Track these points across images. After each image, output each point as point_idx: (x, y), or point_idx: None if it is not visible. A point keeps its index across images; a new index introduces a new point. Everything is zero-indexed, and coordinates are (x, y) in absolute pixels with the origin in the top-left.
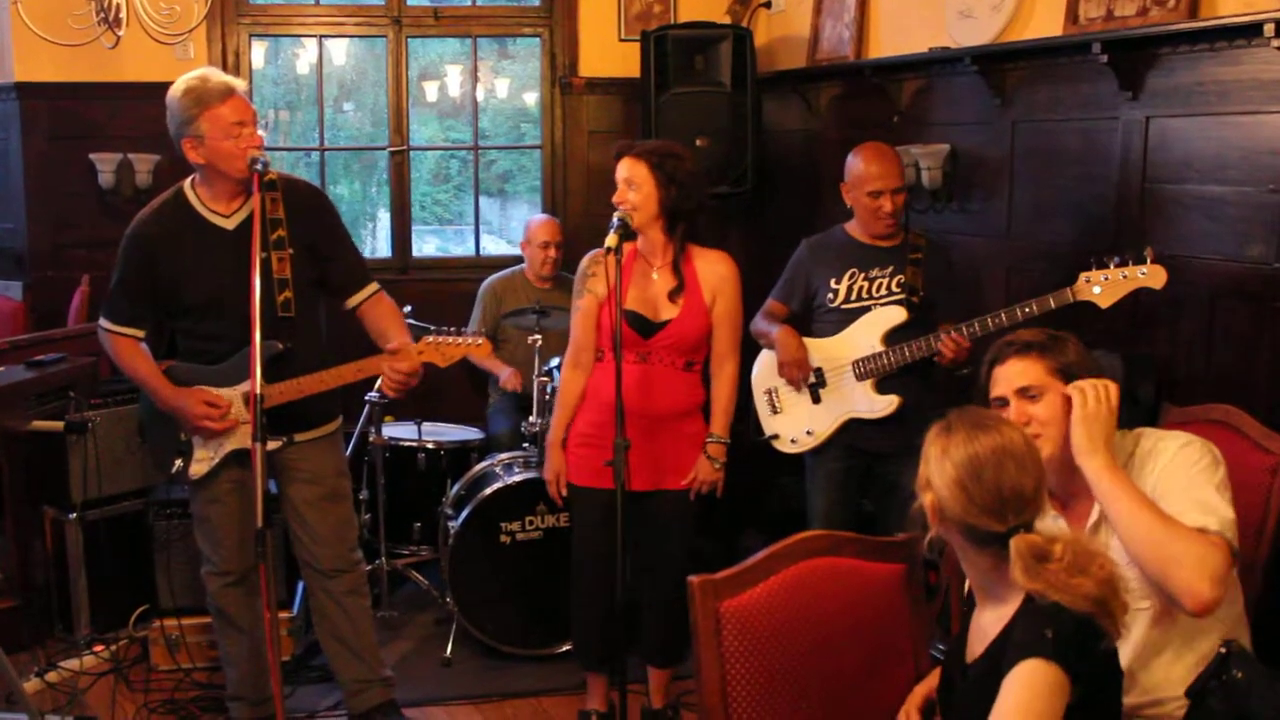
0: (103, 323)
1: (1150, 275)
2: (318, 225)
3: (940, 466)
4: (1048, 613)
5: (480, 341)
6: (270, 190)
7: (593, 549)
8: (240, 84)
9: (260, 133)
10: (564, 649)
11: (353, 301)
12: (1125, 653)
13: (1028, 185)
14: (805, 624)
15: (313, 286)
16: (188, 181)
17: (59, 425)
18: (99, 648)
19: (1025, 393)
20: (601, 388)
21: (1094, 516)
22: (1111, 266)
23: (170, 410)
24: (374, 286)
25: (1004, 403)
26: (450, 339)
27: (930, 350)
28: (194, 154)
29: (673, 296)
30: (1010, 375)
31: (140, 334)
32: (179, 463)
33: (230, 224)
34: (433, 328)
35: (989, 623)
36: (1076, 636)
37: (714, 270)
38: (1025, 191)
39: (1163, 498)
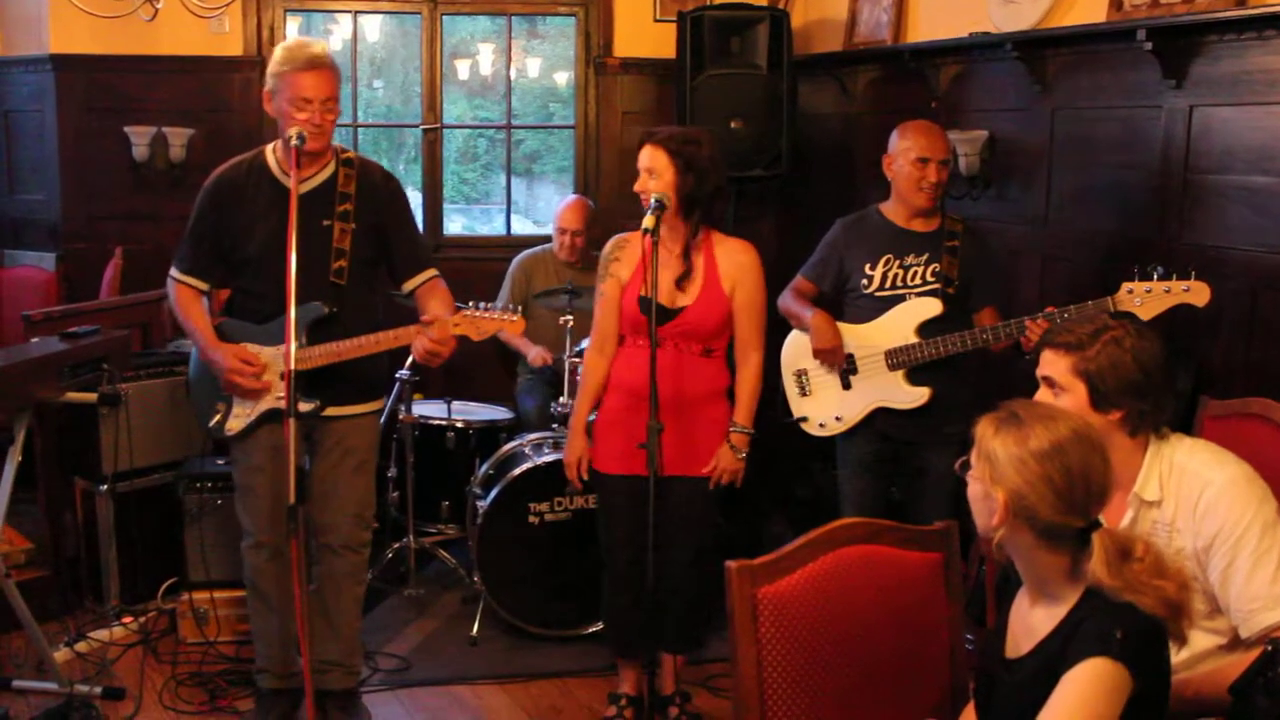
0: (171, 271)
1: (1193, 292)
2: (386, 210)
3: (1019, 459)
4: (1118, 612)
5: (515, 317)
6: (346, 167)
7: (624, 541)
8: (330, 63)
9: (320, 110)
10: (590, 630)
11: (409, 285)
12: (1178, 656)
13: (1067, 174)
14: (842, 611)
15: (370, 265)
16: (271, 144)
17: (92, 397)
18: (128, 619)
19: (1049, 383)
20: (624, 372)
21: (1128, 517)
22: (1155, 279)
23: (207, 361)
24: (432, 272)
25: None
26: (485, 313)
27: (971, 344)
28: (268, 106)
29: (680, 283)
30: (1044, 363)
31: (203, 286)
32: (218, 417)
33: (302, 188)
34: (469, 303)
35: (1040, 620)
36: (1145, 638)
37: (734, 259)
38: (1064, 180)
39: (1231, 572)
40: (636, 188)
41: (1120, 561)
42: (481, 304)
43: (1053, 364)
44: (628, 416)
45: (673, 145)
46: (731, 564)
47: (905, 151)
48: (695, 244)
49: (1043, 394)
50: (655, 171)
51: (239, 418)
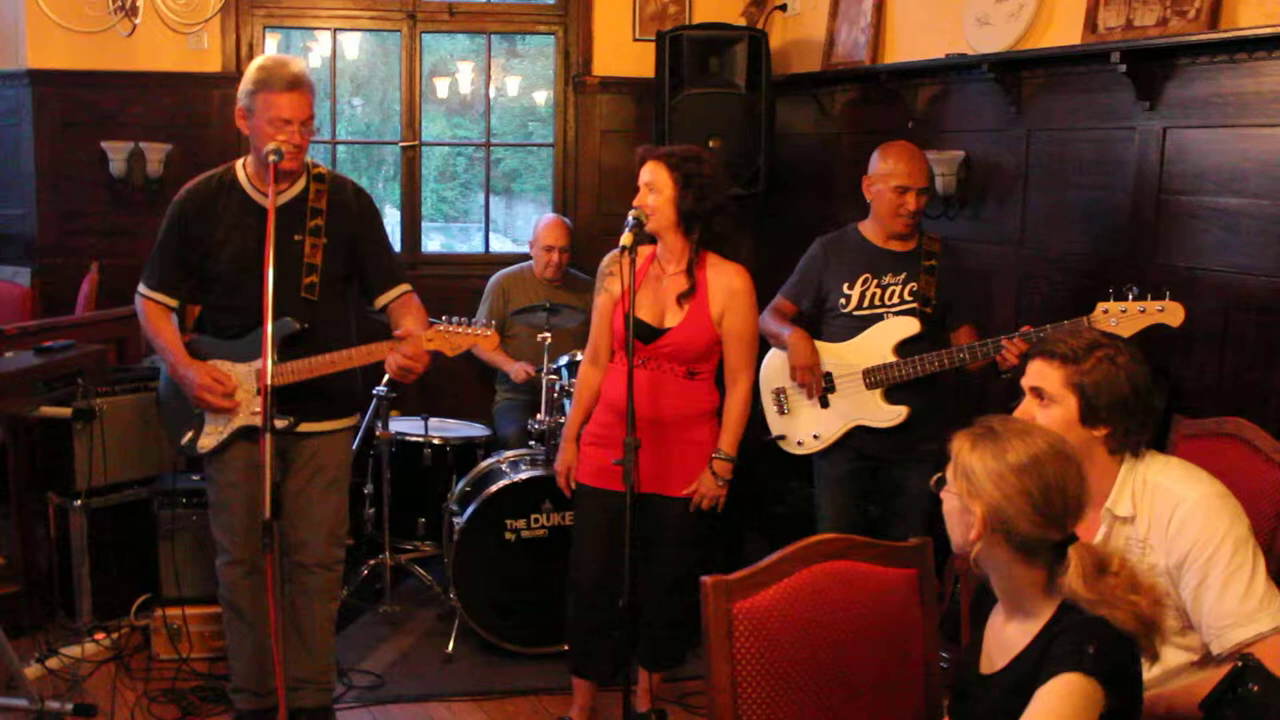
0: (139, 287)
1: (1168, 312)
2: (358, 225)
3: (998, 474)
4: (1091, 627)
5: (489, 332)
6: (318, 182)
7: (594, 556)
8: (309, 84)
9: (299, 131)
10: (566, 647)
11: (382, 300)
12: (1150, 673)
13: (1042, 194)
14: (818, 627)
15: (342, 281)
16: (241, 160)
17: (66, 412)
18: (100, 635)
19: (1038, 393)
20: (610, 389)
21: (1100, 534)
22: (1130, 299)
23: (178, 379)
24: (405, 287)
25: (1023, 395)
26: (458, 329)
27: (948, 363)
28: (241, 123)
29: (681, 300)
30: (1034, 372)
31: (172, 303)
32: (190, 434)
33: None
34: (442, 318)
35: (1014, 635)
36: (1117, 654)
37: (727, 285)
38: (1039, 200)
39: (1202, 590)
40: (636, 202)
41: (1096, 575)
42: (455, 319)
43: (1044, 375)
44: (609, 432)
45: (673, 161)
46: (707, 579)
47: (885, 177)
48: (698, 262)
49: (1028, 405)
50: (655, 187)
51: (211, 435)
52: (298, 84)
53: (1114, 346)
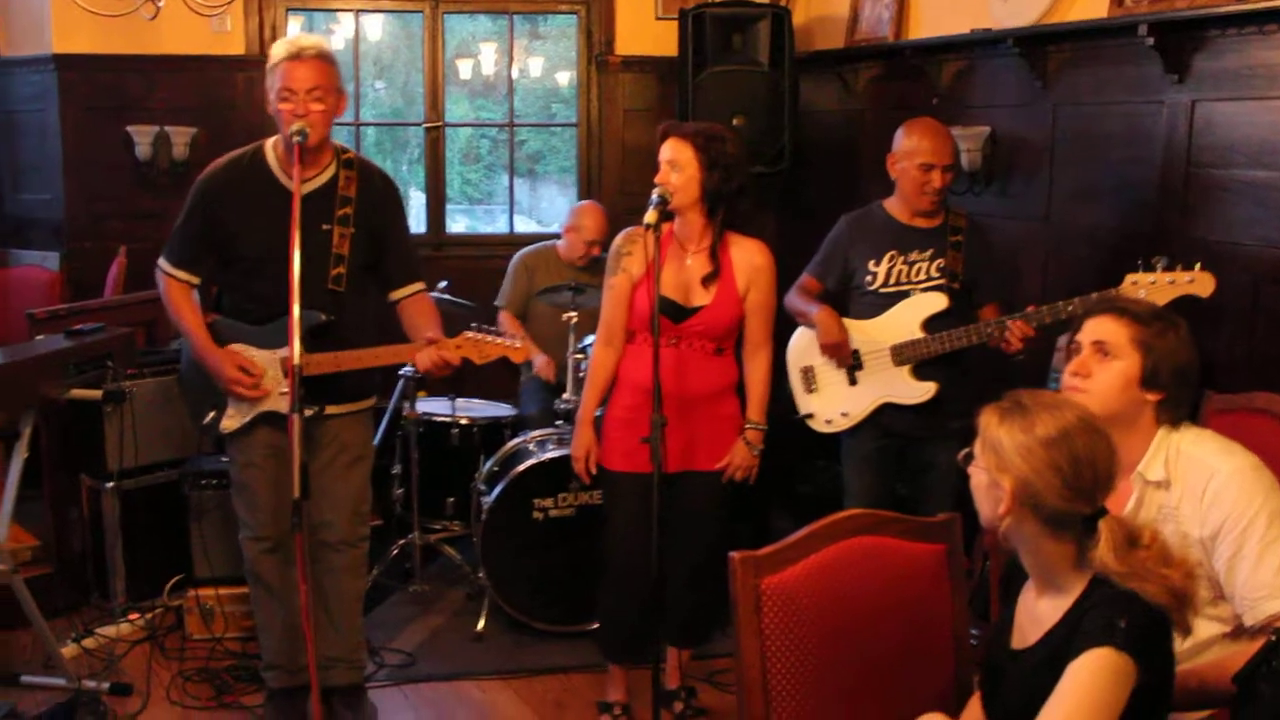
0: (160, 262)
1: (1198, 282)
2: (384, 214)
3: (1026, 448)
4: (1122, 601)
5: (518, 344)
6: (347, 169)
7: (627, 540)
8: (318, 55)
9: (306, 104)
10: (595, 626)
11: (396, 295)
12: (1181, 645)
13: (1068, 169)
14: (846, 602)
15: (366, 270)
16: (271, 140)
17: (97, 394)
18: (134, 616)
19: (1100, 347)
20: (634, 370)
21: (1133, 500)
22: (1159, 270)
23: (202, 363)
24: (420, 285)
25: (1078, 350)
26: (490, 338)
27: (976, 339)
28: (269, 106)
29: (706, 282)
30: (1097, 327)
31: (194, 280)
32: (212, 414)
33: (301, 190)
34: (472, 325)
35: (1046, 610)
36: (1150, 628)
37: (750, 260)
38: (1066, 176)
39: (1237, 561)
40: (657, 180)
41: (1127, 548)
42: (486, 328)
43: (1111, 330)
44: (636, 414)
45: (699, 140)
46: (735, 555)
47: (909, 154)
48: (722, 243)
49: (1086, 360)
50: (678, 165)
51: (233, 418)
52: (302, 53)
53: (1174, 316)
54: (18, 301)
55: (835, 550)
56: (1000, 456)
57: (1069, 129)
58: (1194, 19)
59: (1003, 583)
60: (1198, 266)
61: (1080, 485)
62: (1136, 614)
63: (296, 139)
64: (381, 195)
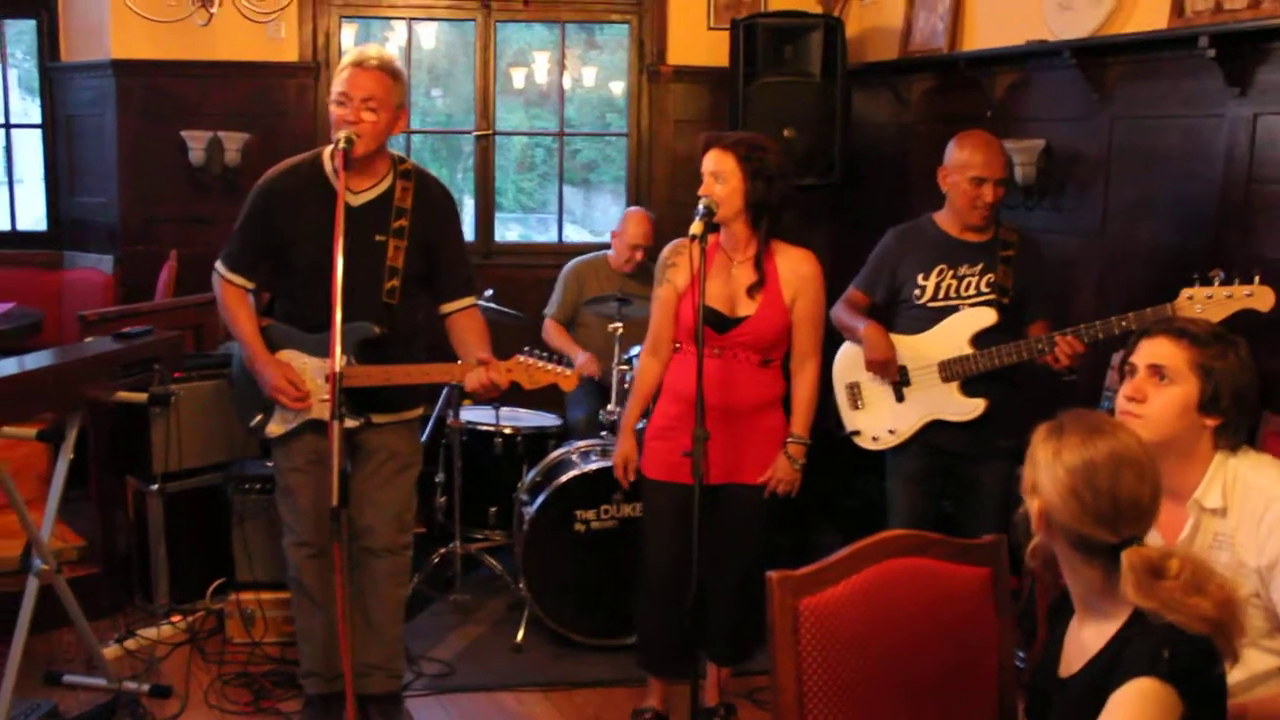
0: (217, 266)
1: (1257, 296)
2: (440, 226)
3: (1051, 471)
4: (1166, 631)
5: (569, 374)
6: (404, 180)
7: (665, 549)
8: (377, 65)
9: (358, 112)
10: (634, 640)
11: (448, 308)
12: (1235, 677)
13: (1125, 184)
14: (886, 625)
15: (419, 281)
16: (328, 148)
17: (143, 397)
18: (176, 618)
19: (1157, 371)
20: (678, 380)
21: (1188, 527)
22: (1216, 284)
23: (254, 372)
24: (472, 299)
25: (1133, 373)
26: (541, 364)
27: (1026, 355)
28: (330, 112)
29: (752, 292)
30: (1154, 349)
31: (249, 285)
32: (260, 417)
33: (356, 200)
34: (525, 349)
35: (1090, 637)
36: (1194, 658)
37: (796, 270)
38: (1122, 190)
39: None
40: (701, 191)
41: (1151, 581)
42: (539, 353)
43: (1168, 353)
44: (679, 424)
45: (741, 150)
46: (773, 574)
47: (961, 168)
48: (766, 253)
49: (1140, 384)
50: (722, 176)
51: (280, 423)
52: (365, 62)
53: (1235, 338)
54: (74, 304)
55: (876, 571)
56: (1034, 474)
57: (1126, 143)
58: (1257, 30)
59: (1052, 607)
60: (1257, 279)
61: (1099, 514)
62: (1180, 644)
63: (342, 145)
64: (437, 207)
